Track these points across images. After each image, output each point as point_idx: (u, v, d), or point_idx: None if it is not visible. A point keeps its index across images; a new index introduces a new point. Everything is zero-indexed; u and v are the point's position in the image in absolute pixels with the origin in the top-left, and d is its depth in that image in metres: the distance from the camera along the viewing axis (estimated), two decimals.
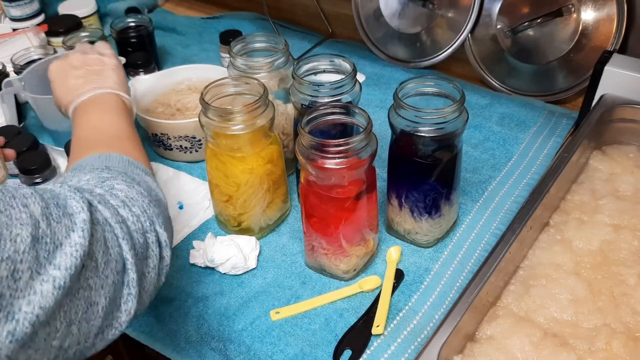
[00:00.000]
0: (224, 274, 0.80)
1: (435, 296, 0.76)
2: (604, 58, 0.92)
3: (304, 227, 0.77)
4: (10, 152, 0.85)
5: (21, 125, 1.08)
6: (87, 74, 0.78)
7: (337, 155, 0.66)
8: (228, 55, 0.87)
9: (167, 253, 0.59)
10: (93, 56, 0.81)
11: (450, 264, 0.80)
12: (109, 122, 0.72)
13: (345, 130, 0.74)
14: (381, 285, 0.77)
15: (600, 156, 0.91)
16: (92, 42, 1.13)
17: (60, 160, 0.97)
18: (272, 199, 0.83)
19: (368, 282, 0.77)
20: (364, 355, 0.70)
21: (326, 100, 0.76)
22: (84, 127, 0.71)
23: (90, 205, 0.51)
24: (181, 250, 0.84)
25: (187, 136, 0.95)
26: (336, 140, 0.66)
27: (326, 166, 0.67)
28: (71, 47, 1.10)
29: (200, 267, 0.81)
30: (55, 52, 1.12)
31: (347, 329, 0.72)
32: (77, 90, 0.76)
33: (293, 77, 0.78)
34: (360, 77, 1.15)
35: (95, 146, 0.66)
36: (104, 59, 0.81)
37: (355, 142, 0.66)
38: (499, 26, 1.05)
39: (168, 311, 0.77)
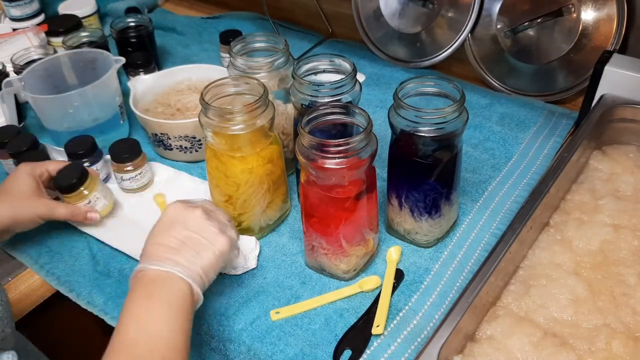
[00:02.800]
0: (224, 274, 0.80)
1: (435, 296, 0.76)
2: (604, 58, 0.92)
3: (304, 227, 0.77)
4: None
5: (21, 125, 1.08)
6: (187, 243, 0.66)
7: (337, 155, 0.66)
8: (228, 55, 0.87)
9: None
10: (213, 225, 0.68)
11: (450, 264, 0.80)
12: (167, 330, 0.59)
13: (345, 130, 0.74)
14: (381, 285, 0.77)
15: (600, 156, 0.91)
16: (92, 42, 1.13)
17: (60, 160, 0.97)
18: (272, 199, 0.83)
19: (368, 282, 0.77)
20: (364, 355, 0.70)
21: (326, 100, 0.76)
22: (139, 321, 0.60)
23: None
24: None
25: (187, 136, 0.95)
26: (336, 140, 0.66)
27: (326, 166, 0.67)
28: (71, 47, 1.10)
29: None
30: (55, 52, 1.12)
31: (347, 329, 0.72)
32: (160, 253, 0.65)
33: (293, 77, 0.78)
34: (360, 77, 1.15)
35: None
36: (218, 238, 0.68)
37: (355, 142, 0.66)
38: (499, 26, 1.05)
39: None
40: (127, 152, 0.90)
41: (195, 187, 0.94)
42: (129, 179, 0.91)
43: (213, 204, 0.74)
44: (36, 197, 0.81)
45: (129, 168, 0.91)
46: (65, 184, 0.83)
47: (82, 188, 0.84)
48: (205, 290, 0.66)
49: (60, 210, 0.82)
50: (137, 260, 0.81)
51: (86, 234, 0.87)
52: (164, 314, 0.60)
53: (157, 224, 0.69)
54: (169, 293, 0.62)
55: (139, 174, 0.92)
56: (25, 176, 0.81)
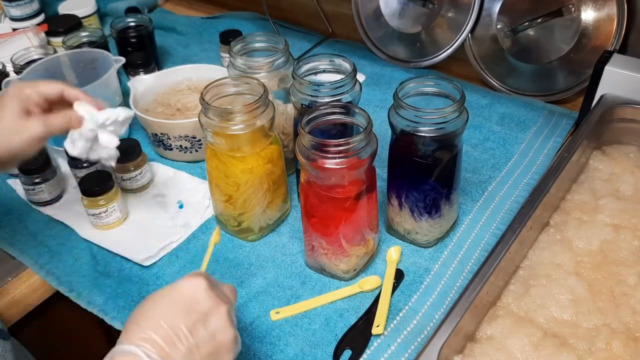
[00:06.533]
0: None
1: (435, 296, 0.76)
2: (604, 58, 0.92)
3: (304, 227, 0.77)
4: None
5: None
6: (200, 348, 0.53)
7: (337, 155, 0.66)
8: (228, 55, 0.87)
9: None
10: (233, 331, 0.56)
11: (450, 264, 0.80)
12: None
13: (345, 130, 0.74)
14: (381, 285, 0.77)
15: (600, 156, 0.91)
16: (92, 42, 1.13)
17: (60, 160, 0.97)
18: (272, 198, 0.83)
19: (368, 282, 0.77)
20: (364, 355, 0.70)
21: (326, 100, 0.76)
22: None
23: None
24: (181, 251, 0.84)
25: (187, 136, 0.95)
26: (336, 140, 0.66)
27: (326, 166, 0.67)
28: (71, 47, 1.10)
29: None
30: (55, 52, 1.12)
31: (347, 329, 0.72)
32: (159, 341, 0.51)
33: (293, 77, 0.78)
34: (360, 77, 1.15)
35: None
36: (230, 352, 0.55)
37: (355, 142, 0.66)
38: (499, 26, 1.05)
39: None
40: (127, 152, 0.90)
41: (195, 186, 0.94)
42: (129, 179, 0.91)
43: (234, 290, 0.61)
44: (25, 119, 0.68)
45: (129, 168, 0.91)
46: (86, 188, 0.84)
47: (101, 197, 0.84)
48: None
49: (55, 122, 0.70)
50: (136, 263, 0.82)
51: (86, 239, 0.87)
52: None
53: (170, 293, 0.55)
54: None
55: (139, 174, 0.92)
56: (11, 99, 0.69)
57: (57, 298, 0.83)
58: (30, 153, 0.70)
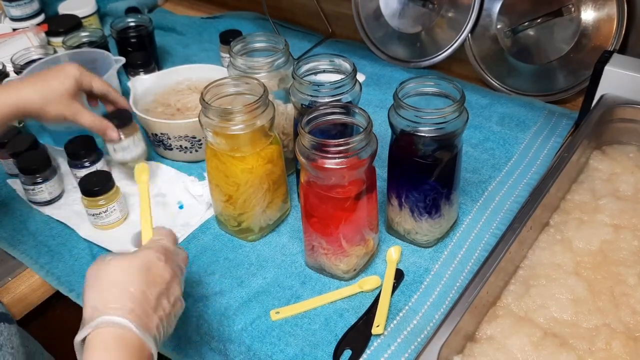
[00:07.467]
0: (220, 277, 0.80)
1: (435, 296, 0.76)
2: (604, 58, 0.92)
3: (304, 227, 0.77)
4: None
5: (21, 125, 1.08)
6: (170, 314, 0.59)
7: (337, 155, 0.66)
8: (228, 55, 0.87)
9: None
10: (180, 292, 0.61)
11: (450, 264, 0.80)
12: None
13: (345, 130, 0.74)
14: (381, 285, 0.77)
15: (600, 156, 0.91)
16: (92, 42, 1.13)
17: (60, 160, 0.97)
18: (272, 198, 0.83)
19: (368, 282, 0.77)
20: (364, 355, 0.70)
21: (326, 100, 0.76)
22: None
23: None
24: None
25: (187, 136, 0.95)
26: (336, 140, 0.66)
27: (326, 166, 0.67)
28: (71, 47, 1.10)
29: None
30: (55, 52, 1.12)
31: (347, 329, 0.72)
32: (139, 312, 0.54)
33: (293, 77, 0.78)
34: (360, 77, 1.15)
35: None
36: (181, 308, 0.61)
37: (355, 142, 0.66)
38: (499, 26, 1.06)
39: None
40: (117, 120, 0.87)
41: (195, 187, 0.93)
42: (121, 150, 0.89)
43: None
44: (69, 98, 0.80)
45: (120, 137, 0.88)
46: (86, 188, 0.84)
47: (101, 197, 0.84)
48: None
49: (84, 117, 0.81)
50: None
51: (86, 239, 0.87)
52: None
53: (134, 262, 0.57)
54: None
55: (132, 144, 0.89)
56: (70, 78, 0.80)
57: (57, 298, 0.83)
58: (55, 123, 0.82)
